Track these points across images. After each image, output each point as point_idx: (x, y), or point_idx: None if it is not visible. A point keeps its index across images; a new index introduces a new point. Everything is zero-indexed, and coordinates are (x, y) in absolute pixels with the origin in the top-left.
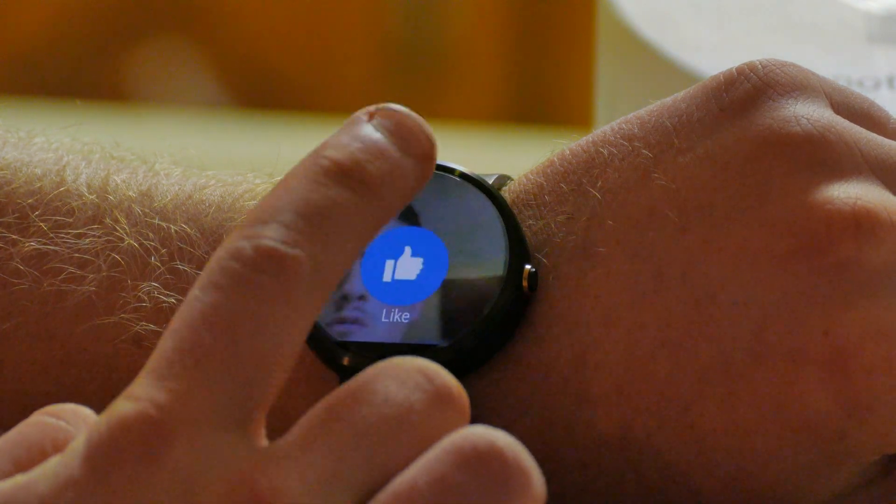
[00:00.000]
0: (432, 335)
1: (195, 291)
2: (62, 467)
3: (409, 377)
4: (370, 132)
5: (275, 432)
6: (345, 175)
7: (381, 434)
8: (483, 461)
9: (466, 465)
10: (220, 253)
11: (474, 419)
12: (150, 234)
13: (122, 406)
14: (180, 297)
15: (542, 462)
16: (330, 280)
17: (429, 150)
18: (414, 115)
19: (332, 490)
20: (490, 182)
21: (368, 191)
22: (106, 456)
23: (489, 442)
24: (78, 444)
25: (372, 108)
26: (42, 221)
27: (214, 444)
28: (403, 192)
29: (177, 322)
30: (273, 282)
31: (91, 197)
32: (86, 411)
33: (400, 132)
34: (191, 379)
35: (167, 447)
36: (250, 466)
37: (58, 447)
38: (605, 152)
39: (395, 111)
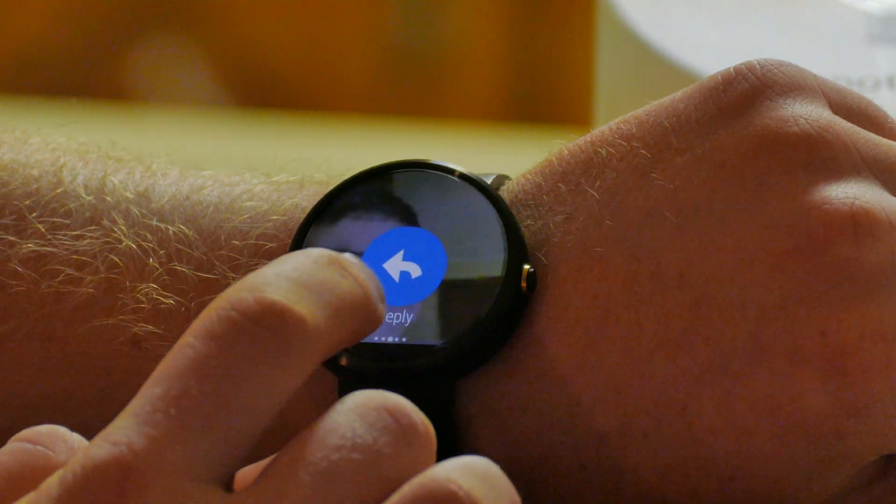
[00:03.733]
0: (431, 336)
1: (188, 338)
2: None
3: (375, 417)
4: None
5: (271, 433)
6: (344, 268)
7: (351, 480)
8: None
9: None
10: (219, 301)
11: (472, 421)
12: (148, 236)
13: (99, 449)
14: (178, 299)
15: (540, 462)
16: (324, 349)
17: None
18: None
19: None
20: (488, 182)
21: (363, 290)
22: (78, 498)
23: (448, 492)
24: (52, 485)
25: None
26: (40, 223)
27: (186, 494)
28: (372, 317)
29: (166, 367)
30: (271, 337)
31: (88, 198)
32: (62, 431)
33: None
34: (171, 428)
35: (139, 494)
36: None
37: (37, 475)
38: (604, 152)
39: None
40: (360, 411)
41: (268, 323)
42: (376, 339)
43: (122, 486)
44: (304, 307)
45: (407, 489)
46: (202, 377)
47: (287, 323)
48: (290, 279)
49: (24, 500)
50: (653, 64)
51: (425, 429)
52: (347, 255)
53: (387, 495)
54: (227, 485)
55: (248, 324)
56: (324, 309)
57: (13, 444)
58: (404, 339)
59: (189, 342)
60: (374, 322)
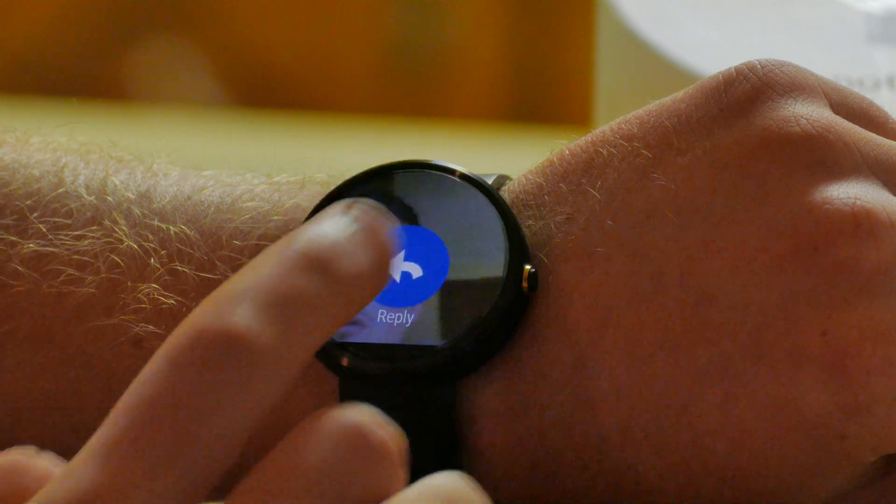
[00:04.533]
0: (432, 336)
1: (152, 366)
2: None
3: (341, 437)
4: (347, 227)
5: (274, 433)
6: (318, 268)
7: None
8: None
9: None
10: (183, 328)
11: (474, 421)
12: (150, 236)
13: (61, 486)
14: (180, 299)
15: (541, 463)
16: (290, 370)
17: (387, 259)
18: (384, 217)
19: None
20: (489, 182)
21: (338, 287)
22: None
23: None
24: None
25: (349, 201)
26: (41, 223)
27: None
28: (367, 294)
29: (128, 398)
30: (233, 366)
31: (90, 198)
32: (41, 468)
33: (373, 233)
34: (133, 464)
35: None
36: None
37: None
38: (605, 152)
39: (370, 211)
40: (326, 430)
41: (228, 352)
42: (378, 339)
43: None
44: (269, 330)
45: None
46: (164, 409)
47: (248, 351)
48: (256, 295)
49: None
50: (653, 64)
51: (398, 447)
52: (354, 217)
53: None
54: None
55: (207, 353)
56: (291, 326)
57: None
58: (405, 340)
59: (152, 370)
60: (368, 300)
